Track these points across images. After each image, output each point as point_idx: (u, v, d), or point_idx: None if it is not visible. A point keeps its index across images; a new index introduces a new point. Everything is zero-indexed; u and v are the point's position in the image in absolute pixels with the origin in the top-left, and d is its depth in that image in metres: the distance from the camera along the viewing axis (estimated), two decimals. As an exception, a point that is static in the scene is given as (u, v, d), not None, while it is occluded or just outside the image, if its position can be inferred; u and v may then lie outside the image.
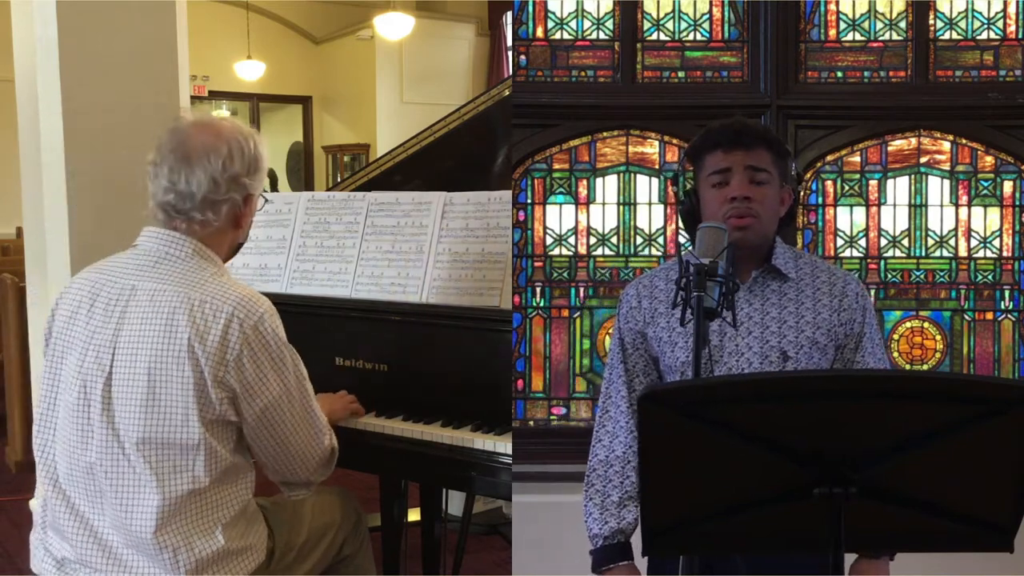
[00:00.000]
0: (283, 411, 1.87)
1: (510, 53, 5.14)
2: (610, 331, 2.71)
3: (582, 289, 2.93)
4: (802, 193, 2.90)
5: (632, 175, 2.95)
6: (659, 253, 2.92)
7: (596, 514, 1.85)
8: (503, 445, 2.18)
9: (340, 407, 2.35)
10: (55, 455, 1.88)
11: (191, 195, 1.87)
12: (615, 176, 2.95)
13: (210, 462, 1.81)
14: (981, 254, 2.89)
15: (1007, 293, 2.89)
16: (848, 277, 1.88)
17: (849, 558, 1.78)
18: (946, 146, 2.91)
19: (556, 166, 2.95)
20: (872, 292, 2.90)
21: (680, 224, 1.92)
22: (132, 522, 1.80)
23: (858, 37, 2.94)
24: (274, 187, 13.16)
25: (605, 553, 1.84)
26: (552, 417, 2.91)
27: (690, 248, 1.80)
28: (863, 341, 1.84)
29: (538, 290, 2.93)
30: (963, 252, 2.89)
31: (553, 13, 2.97)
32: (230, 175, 1.88)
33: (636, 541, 1.84)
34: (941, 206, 2.90)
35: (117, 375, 1.80)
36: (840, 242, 2.91)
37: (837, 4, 2.94)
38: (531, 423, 2.91)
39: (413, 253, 2.53)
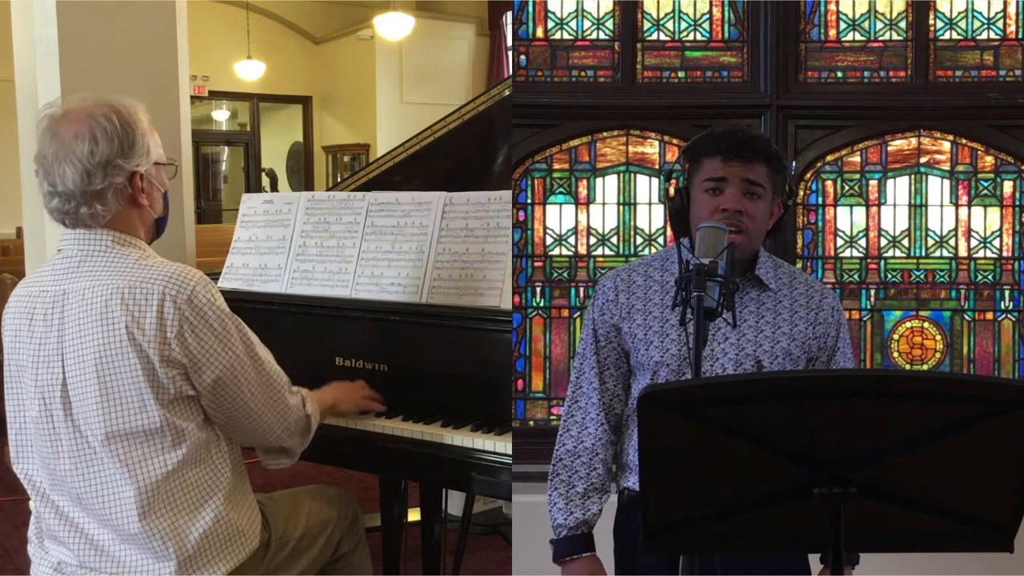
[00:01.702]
0: (236, 379, 1.86)
1: (510, 53, 5.14)
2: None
3: (582, 289, 2.93)
4: (802, 193, 2.90)
5: (632, 175, 2.95)
6: (659, 253, 2.92)
7: (561, 504, 1.87)
8: (503, 445, 2.18)
9: (351, 399, 2.32)
10: (36, 470, 1.89)
11: (71, 194, 1.81)
12: (615, 176, 2.95)
13: (177, 442, 1.81)
14: (981, 254, 2.89)
15: (1007, 293, 2.89)
16: (824, 291, 1.89)
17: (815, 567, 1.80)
18: (946, 146, 2.91)
19: (556, 166, 2.95)
20: (872, 292, 2.90)
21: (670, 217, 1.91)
22: (116, 517, 1.81)
23: (858, 37, 2.94)
24: (274, 187, 13.20)
25: (569, 543, 1.85)
26: (552, 417, 2.91)
27: (685, 244, 1.80)
28: (836, 355, 1.85)
29: (538, 290, 2.93)
30: (963, 252, 2.89)
31: (553, 13, 2.97)
32: (100, 161, 1.80)
33: (598, 533, 1.86)
34: (941, 206, 2.90)
35: (71, 379, 1.80)
36: (840, 242, 2.91)
37: (837, 4, 2.94)
38: (531, 423, 2.91)
39: (413, 253, 2.53)
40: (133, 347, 1.76)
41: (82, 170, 1.79)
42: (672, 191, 1.85)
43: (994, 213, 2.90)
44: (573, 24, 2.97)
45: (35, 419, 1.85)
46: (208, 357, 1.81)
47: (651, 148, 2.95)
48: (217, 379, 1.83)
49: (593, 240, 2.94)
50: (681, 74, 2.96)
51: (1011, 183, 2.89)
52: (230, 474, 1.91)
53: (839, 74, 2.93)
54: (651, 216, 2.94)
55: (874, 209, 2.91)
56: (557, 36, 2.98)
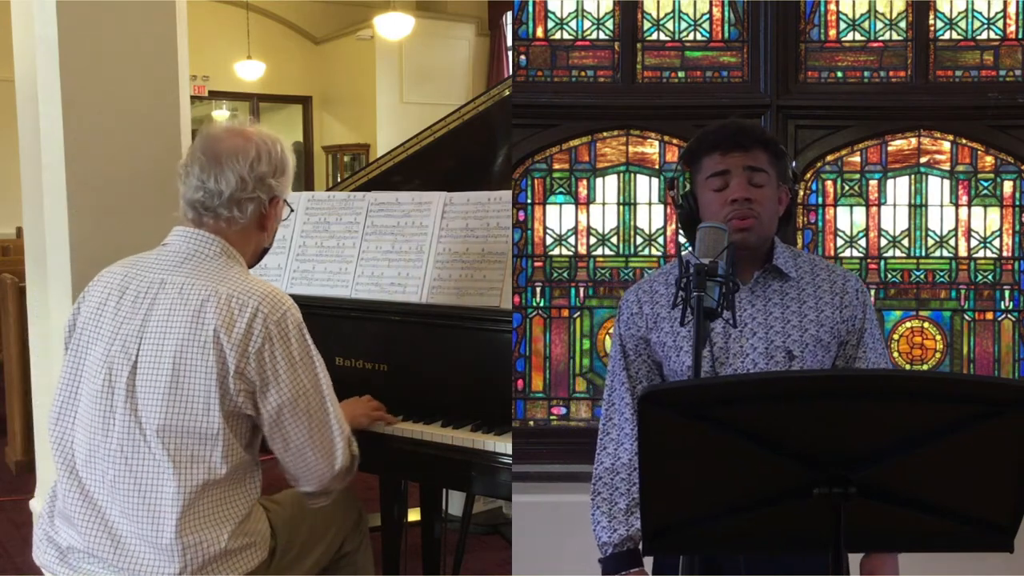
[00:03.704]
0: (297, 413, 1.88)
1: (510, 53, 5.14)
2: (610, 331, 2.71)
3: (582, 289, 2.93)
4: (802, 193, 2.90)
5: (632, 175, 2.95)
6: (659, 253, 2.92)
7: (604, 522, 1.85)
8: (503, 445, 2.18)
9: (362, 413, 2.34)
10: (74, 442, 1.91)
11: (219, 193, 1.94)
12: (615, 176, 2.95)
13: (226, 453, 1.84)
14: (981, 254, 2.89)
15: (1007, 293, 2.89)
16: (847, 274, 1.89)
17: (857, 555, 1.78)
18: (946, 146, 2.91)
19: (556, 166, 2.95)
20: (872, 292, 2.90)
21: (680, 225, 1.92)
22: (149, 511, 1.82)
23: (858, 37, 2.93)
24: (274, 187, 13.17)
25: (615, 561, 1.83)
26: (552, 417, 2.91)
27: (689, 249, 1.80)
28: (864, 337, 1.85)
29: (538, 290, 2.93)
30: (963, 252, 2.89)
31: (553, 13, 2.97)
32: (257, 174, 1.96)
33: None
34: (941, 206, 2.90)
35: (142, 363, 1.84)
36: (840, 242, 2.91)
37: (837, 4, 2.94)
38: (531, 423, 2.91)
39: (413, 253, 2.53)
40: (215, 348, 1.81)
41: (239, 177, 1.94)
42: (679, 198, 1.85)
43: (994, 213, 2.90)
44: (573, 24, 2.97)
45: (94, 392, 1.88)
46: (276, 381, 1.85)
47: (651, 148, 2.95)
48: (280, 406, 1.86)
49: (593, 240, 2.94)
50: (681, 74, 2.96)
51: (1011, 183, 2.89)
52: (255, 499, 1.95)
53: (839, 74, 2.93)
54: (651, 216, 2.94)
55: (874, 209, 2.91)
56: (557, 36, 2.97)
